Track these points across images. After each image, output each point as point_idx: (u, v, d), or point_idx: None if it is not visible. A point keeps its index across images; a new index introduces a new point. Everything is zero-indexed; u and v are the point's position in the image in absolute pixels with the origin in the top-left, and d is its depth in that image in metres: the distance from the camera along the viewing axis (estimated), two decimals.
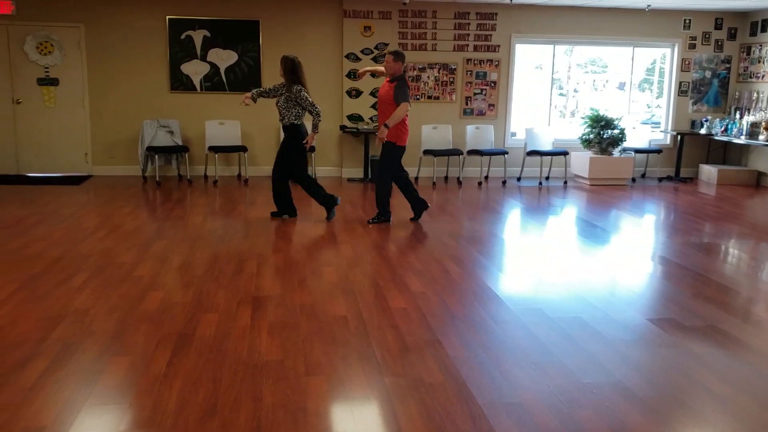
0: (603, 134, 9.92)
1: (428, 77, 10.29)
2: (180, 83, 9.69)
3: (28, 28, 9.29)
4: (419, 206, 7.19)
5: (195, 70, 9.71)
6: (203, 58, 9.70)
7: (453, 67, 10.30)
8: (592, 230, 7.03)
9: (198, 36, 9.63)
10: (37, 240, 5.99)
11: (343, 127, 9.98)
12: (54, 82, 9.46)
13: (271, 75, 9.84)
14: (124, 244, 5.93)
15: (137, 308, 4.34)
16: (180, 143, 9.57)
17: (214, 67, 9.75)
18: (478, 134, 10.40)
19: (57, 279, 4.90)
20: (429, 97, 10.35)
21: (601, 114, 10.01)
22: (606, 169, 10.04)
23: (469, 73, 10.38)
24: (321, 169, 10.17)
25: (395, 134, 6.68)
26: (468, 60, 10.33)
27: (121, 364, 3.50)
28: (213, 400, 3.11)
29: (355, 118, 10.14)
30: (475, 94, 10.46)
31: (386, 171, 6.89)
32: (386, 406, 3.09)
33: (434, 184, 9.87)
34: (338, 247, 6.01)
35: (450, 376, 3.42)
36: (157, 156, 9.34)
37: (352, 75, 10.02)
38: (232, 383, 3.29)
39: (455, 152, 10.04)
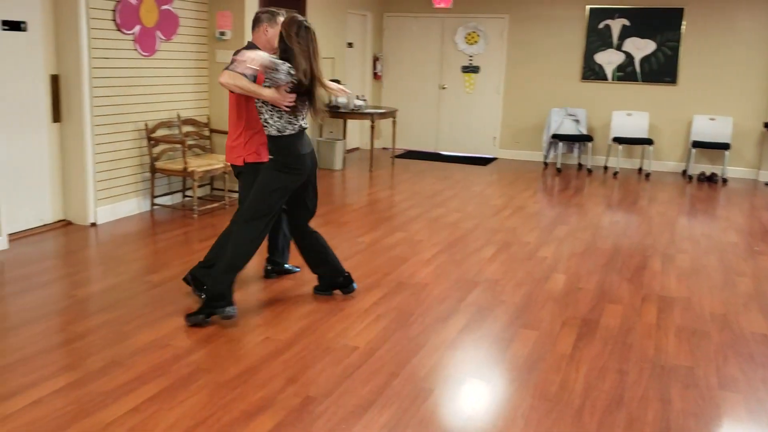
0: None
1: None
2: (591, 72, 9.71)
3: (460, 20, 10.28)
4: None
5: (608, 59, 9.62)
6: (618, 48, 9.55)
7: None
8: None
9: (616, 25, 9.50)
10: (453, 212, 6.66)
11: (767, 124, 8.89)
12: (476, 69, 10.33)
13: (691, 65, 9.24)
14: (528, 225, 6.23)
15: (542, 287, 4.54)
16: (584, 132, 9.63)
17: (628, 57, 9.53)
18: None
19: (471, 248, 5.40)
20: None
21: None
22: None
23: None
24: (732, 170, 9.24)
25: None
26: None
27: (528, 336, 3.72)
28: (619, 392, 3.11)
29: None
30: None
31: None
32: None
33: None
34: (755, 257, 5.42)
35: None
36: (560, 144, 9.55)
37: None
38: (638, 379, 3.25)
39: None
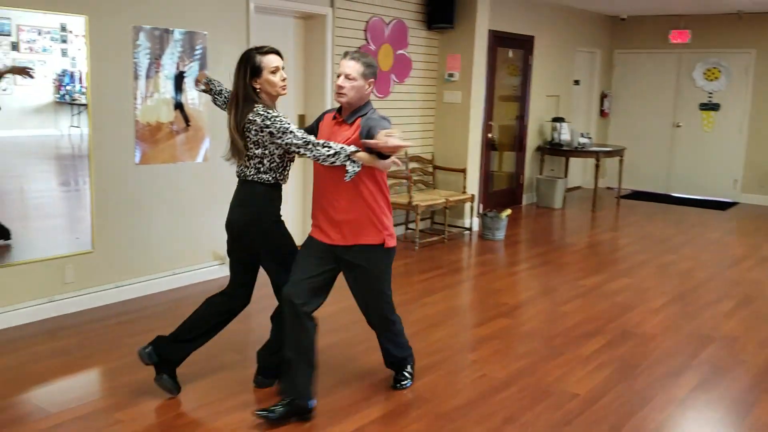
0: None
1: None
2: None
3: (699, 55, 9.63)
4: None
5: None
6: None
7: None
8: None
9: None
10: (686, 259, 6.20)
11: None
12: (715, 107, 9.58)
13: None
14: None
15: None
16: None
17: None
18: None
19: (705, 300, 4.98)
20: None
21: None
22: None
23: None
24: None
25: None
26: None
27: None
28: None
29: None
30: None
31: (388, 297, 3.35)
32: None
33: None
34: None
35: None
36: None
37: None
38: None
39: None
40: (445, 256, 6.09)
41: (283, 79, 3.02)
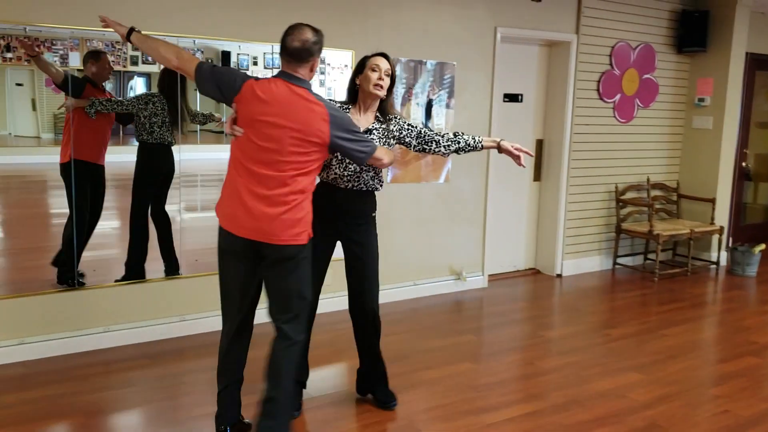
0: None
1: None
2: None
3: None
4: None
5: None
6: None
7: None
8: None
9: None
10: None
11: None
12: None
13: None
14: None
15: None
16: None
17: None
18: None
19: None
20: None
21: None
22: None
23: None
24: None
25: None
26: None
27: None
28: None
29: None
30: None
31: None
32: None
33: None
34: None
35: None
36: None
37: None
38: None
39: None
40: (687, 289, 5.79)
41: (380, 79, 3.04)
